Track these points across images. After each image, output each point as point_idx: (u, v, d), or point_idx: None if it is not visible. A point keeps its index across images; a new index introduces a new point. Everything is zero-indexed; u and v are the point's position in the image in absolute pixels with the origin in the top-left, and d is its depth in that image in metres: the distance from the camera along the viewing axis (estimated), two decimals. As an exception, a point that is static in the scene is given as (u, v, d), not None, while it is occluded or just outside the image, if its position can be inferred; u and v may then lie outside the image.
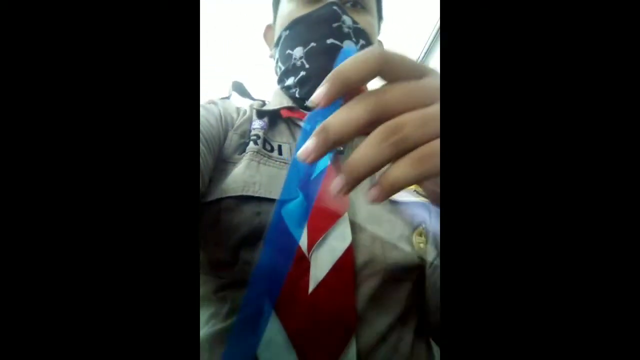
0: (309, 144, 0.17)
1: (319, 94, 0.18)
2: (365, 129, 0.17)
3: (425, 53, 1.37)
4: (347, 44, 0.47)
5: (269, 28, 0.59)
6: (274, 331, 0.32)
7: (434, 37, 1.31)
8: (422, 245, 0.40)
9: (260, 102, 0.53)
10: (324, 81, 0.18)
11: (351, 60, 0.18)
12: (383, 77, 0.19)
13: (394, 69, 0.18)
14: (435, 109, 0.17)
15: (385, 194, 0.17)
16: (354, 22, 0.48)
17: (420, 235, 0.40)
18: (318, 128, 0.17)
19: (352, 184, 0.17)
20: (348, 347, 0.33)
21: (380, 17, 0.57)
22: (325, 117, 0.18)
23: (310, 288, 0.34)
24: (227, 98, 0.53)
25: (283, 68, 0.52)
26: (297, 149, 0.19)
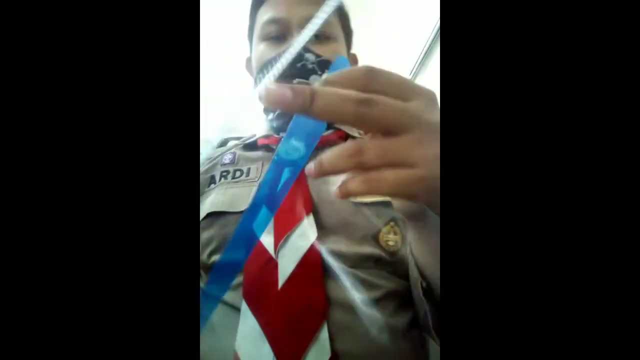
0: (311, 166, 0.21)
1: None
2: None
3: (425, 53, 1.37)
4: (313, 79, 0.53)
5: (249, 61, 0.65)
6: (249, 326, 0.36)
7: (434, 37, 1.31)
8: (390, 243, 0.44)
9: (246, 137, 0.63)
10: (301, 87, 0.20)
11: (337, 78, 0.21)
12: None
13: (381, 88, 0.20)
14: (401, 141, 0.19)
15: (342, 196, 0.21)
16: (317, 55, 0.53)
17: (389, 232, 0.44)
18: (316, 161, 0.21)
19: (320, 175, 0.21)
20: (319, 332, 0.36)
21: (348, 32, 0.62)
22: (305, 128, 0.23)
23: (280, 283, 0.38)
24: (224, 144, 0.62)
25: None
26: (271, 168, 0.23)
